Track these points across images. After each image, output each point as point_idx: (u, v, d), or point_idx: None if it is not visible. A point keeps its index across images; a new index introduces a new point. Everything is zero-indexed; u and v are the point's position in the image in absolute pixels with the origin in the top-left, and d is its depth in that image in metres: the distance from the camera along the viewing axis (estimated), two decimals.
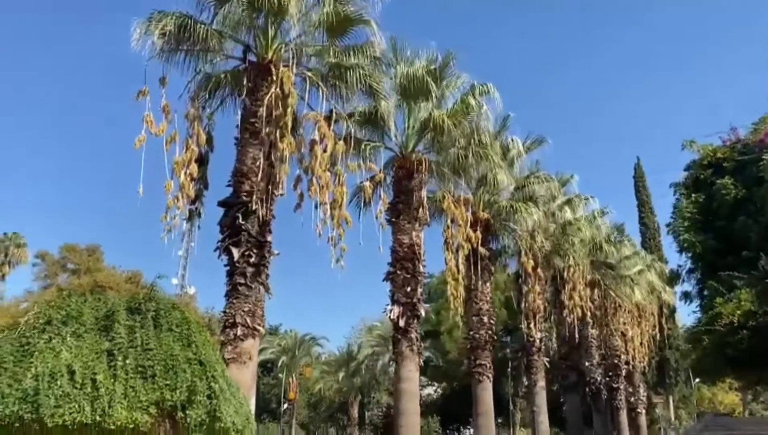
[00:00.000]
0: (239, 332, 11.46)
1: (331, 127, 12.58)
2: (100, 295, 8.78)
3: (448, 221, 16.18)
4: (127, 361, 7.51)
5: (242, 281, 11.79)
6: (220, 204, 12.49)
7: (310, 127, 12.51)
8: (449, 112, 15.93)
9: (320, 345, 56.65)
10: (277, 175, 11.73)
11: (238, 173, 12.30)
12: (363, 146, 15.59)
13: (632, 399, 38.09)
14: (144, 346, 7.73)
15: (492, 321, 20.15)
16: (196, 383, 7.68)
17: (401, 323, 16.00)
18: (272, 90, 11.68)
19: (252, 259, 11.90)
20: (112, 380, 7.34)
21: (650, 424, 41.66)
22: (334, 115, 13.07)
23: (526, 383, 24.69)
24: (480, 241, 17.09)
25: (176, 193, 11.65)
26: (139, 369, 7.56)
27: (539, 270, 21.32)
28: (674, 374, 43.99)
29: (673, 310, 42.96)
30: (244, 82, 12.80)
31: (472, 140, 16.96)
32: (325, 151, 12.05)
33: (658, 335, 38.31)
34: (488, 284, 20.20)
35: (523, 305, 21.95)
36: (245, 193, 12.03)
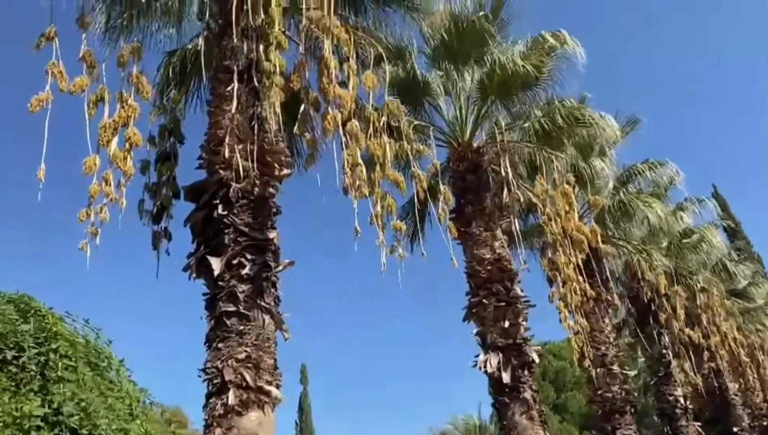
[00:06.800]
0: (231, 400, 6.09)
1: (351, 57, 7.81)
2: None
3: (546, 210, 10.85)
4: None
5: (231, 308, 6.60)
6: (187, 192, 7.63)
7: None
8: (523, 55, 11.12)
9: None
10: (269, 116, 6.82)
11: (212, 140, 7.47)
12: (402, 129, 10.74)
13: None
14: None
15: (626, 371, 14.10)
16: None
17: (505, 378, 10.29)
18: None
19: (245, 270, 6.78)
20: None
21: None
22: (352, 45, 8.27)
23: None
24: (600, 238, 11.49)
25: (105, 172, 6.85)
26: None
27: (678, 288, 15.31)
28: None
29: None
30: (209, 19, 8.35)
31: (554, 104, 12.03)
32: (342, 78, 7.24)
33: None
34: (609, 319, 14.35)
35: (666, 341, 15.76)
36: (222, 165, 7.15)
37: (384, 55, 9.02)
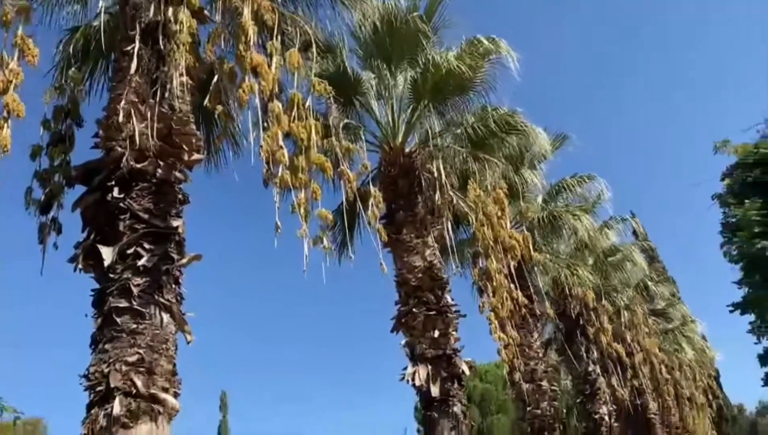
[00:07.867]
0: (117, 409, 5.15)
1: (276, 36, 7.15)
2: None
3: (479, 216, 10.45)
4: None
5: (123, 304, 5.66)
6: (79, 173, 6.67)
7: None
8: (456, 55, 10.76)
9: None
10: (174, 81, 6.01)
11: (111, 115, 6.55)
12: (331, 124, 10.10)
13: None
14: None
15: (554, 387, 13.82)
16: None
17: (434, 391, 9.69)
18: None
19: (142, 261, 5.87)
20: None
21: None
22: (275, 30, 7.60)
23: None
24: (532, 245, 11.21)
25: None
26: None
27: (605, 303, 15.29)
28: None
29: (717, 374, 36.62)
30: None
31: (487, 110, 11.77)
32: (266, 51, 6.57)
33: (714, 406, 31.76)
34: (538, 334, 14.09)
35: (594, 356, 15.60)
36: (120, 142, 6.24)
37: (312, 40, 8.39)
